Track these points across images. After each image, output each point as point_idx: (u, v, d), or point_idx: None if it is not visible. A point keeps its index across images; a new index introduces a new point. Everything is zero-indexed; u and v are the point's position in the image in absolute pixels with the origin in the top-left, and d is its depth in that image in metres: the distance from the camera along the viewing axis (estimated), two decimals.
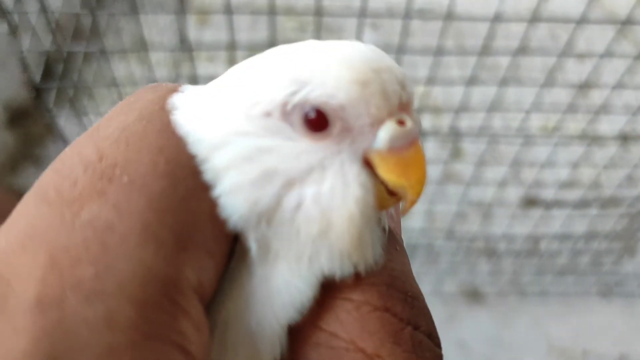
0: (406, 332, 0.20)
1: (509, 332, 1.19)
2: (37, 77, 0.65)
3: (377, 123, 0.20)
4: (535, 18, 0.68)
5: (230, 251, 0.20)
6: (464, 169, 1.05)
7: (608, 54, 0.75)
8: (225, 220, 0.20)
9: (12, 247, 0.18)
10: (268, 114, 0.20)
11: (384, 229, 0.21)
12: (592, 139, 0.86)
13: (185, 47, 0.69)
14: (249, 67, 0.21)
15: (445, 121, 1.18)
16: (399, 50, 0.70)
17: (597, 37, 1.02)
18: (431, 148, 1.12)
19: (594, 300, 1.22)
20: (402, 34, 0.68)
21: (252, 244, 0.20)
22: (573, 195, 1.01)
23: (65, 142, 0.75)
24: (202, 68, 1.33)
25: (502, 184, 0.97)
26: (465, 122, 0.90)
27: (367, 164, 0.20)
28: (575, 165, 0.95)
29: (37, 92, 0.66)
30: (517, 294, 1.21)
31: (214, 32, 1.31)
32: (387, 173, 0.20)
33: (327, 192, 0.19)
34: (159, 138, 0.20)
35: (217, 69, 1.19)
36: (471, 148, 1.10)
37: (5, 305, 0.17)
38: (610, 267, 1.16)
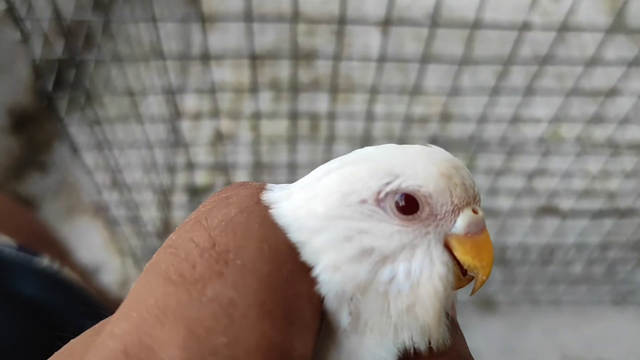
0: None
1: (522, 341, 1.17)
2: (49, 85, 0.63)
3: (457, 210, 0.23)
4: (562, 27, 0.66)
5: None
6: (480, 179, 1.03)
7: (625, 62, 0.73)
8: (320, 298, 0.22)
9: (148, 321, 0.21)
10: (363, 201, 0.23)
11: (447, 313, 0.24)
12: (615, 148, 0.85)
13: (203, 55, 0.67)
14: (334, 167, 0.24)
15: (459, 130, 1.17)
16: (422, 60, 0.68)
17: (611, 47, 1.01)
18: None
19: (607, 309, 1.20)
20: (427, 42, 0.66)
21: (345, 317, 0.22)
22: (589, 205, 0.99)
23: (75, 150, 0.74)
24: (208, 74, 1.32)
25: (518, 194, 0.95)
26: (482, 132, 0.88)
27: (447, 247, 0.23)
28: (590, 176, 0.94)
29: (49, 100, 0.64)
30: (530, 303, 1.19)
31: (220, 36, 1.30)
32: (464, 255, 0.23)
33: (416, 268, 0.22)
34: (260, 228, 0.23)
35: (224, 74, 1.17)
36: (486, 158, 1.09)
37: None
38: (624, 276, 1.15)
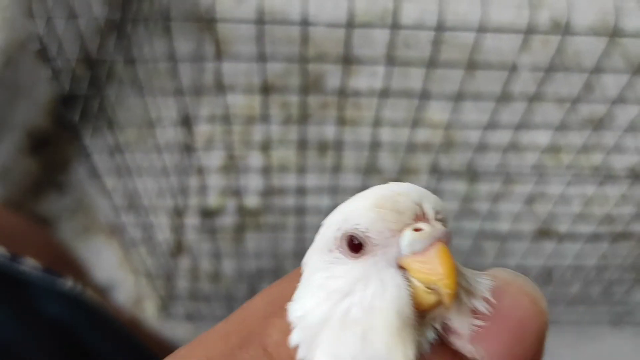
0: None
1: None
2: (76, 116, 0.68)
3: (396, 234, 0.24)
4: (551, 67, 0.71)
5: None
6: (479, 205, 1.07)
7: (621, 99, 0.77)
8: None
9: None
10: (330, 251, 0.26)
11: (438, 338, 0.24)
12: (604, 176, 0.89)
13: (217, 84, 0.72)
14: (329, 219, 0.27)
15: (460, 157, 1.21)
16: (422, 95, 0.73)
17: (610, 79, 1.05)
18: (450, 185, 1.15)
19: (605, 329, 1.23)
20: (427, 75, 0.71)
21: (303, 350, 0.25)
22: (585, 228, 1.03)
23: (97, 174, 0.78)
24: (220, 102, 1.36)
25: (517, 218, 0.99)
26: (482, 159, 0.92)
27: (403, 269, 0.24)
28: (587, 199, 0.98)
29: (75, 129, 0.69)
30: None
31: (231, 61, 1.35)
32: (417, 273, 0.23)
33: (369, 295, 0.24)
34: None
35: (236, 98, 1.21)
36: (486, 184, 1.13)
37: None
38: (621, 296, 1.18)
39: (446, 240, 0.24)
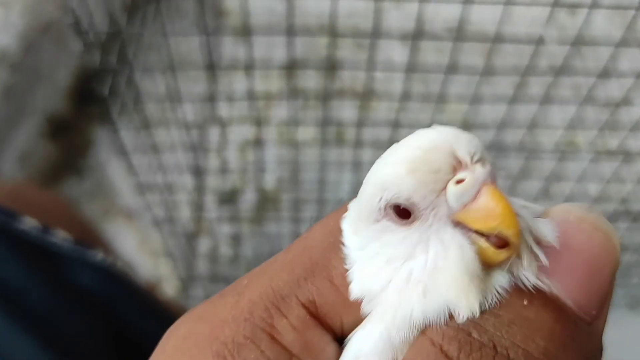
0: None
1: None
2: (106, 91, 0.69)
3: (440, 193, 0.23)
4: (576, 42, 0.71)
5: None
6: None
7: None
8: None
9: None
10: (377, 220, 0.25)
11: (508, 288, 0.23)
12: (624, 155, 0.89)
13: (243, 65, 0.73)
14: (365, 181, 0.26)
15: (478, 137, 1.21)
16: (446, 71, 0.73)
17: (625, 58, 1.05)
18: None
19: (622, 313, 1.24)
20: (451, 54, 0.71)
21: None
22: (603, 209, 1.04)
23: (124, 151, 0.79)
24: (239, 82, 1.37)
25: (535, 198, 1.00)
26: (501, 139, 0.93)
27: (460, 224, 0.23)
28: (605, 181, 0.98)
29: (105, 104, 0.70)
30: None
31: (247, 48, 1.36)
32: (475, 224, 0.23)
33: (431, 258, 0.23)
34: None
35: (252, 84, 1.23)
36: (503, 163, 1.13)
37: None
38: (638, 280, 1.18)
39: (492, 179, 0.23)
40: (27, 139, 1.28)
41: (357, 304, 0.25)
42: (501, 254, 0.22)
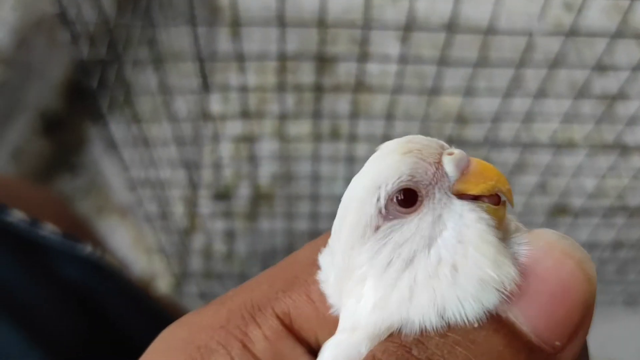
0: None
1: None
2: (94, 83, 0.68)
3: (439, 165, 0.23)
4: (570, 32, 0.71)
5: None
6: None
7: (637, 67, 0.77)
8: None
9: None
10: (376, 229, 0.24)
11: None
12: (621, 149, 0.89)
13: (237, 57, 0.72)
14: (341, 204, 0.25)
15: (473, 132, 1.21)
16: (439, 62, 0.73)
17: (621, 52, 1.05)
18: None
19: (619, 310, 1.23)
20: (444, 46, 0.71)
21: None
22: (600, 204, 1.03)
23: (114, 145, 0.78)
24: (233, 78, 1.36)
25: (531, 193, 0.99)
26: (496, 133, 0.92)
27: (462, 196, 0.24)
28: (601, 176, 0.97)
29: (93, 97, 0.69)
30: None
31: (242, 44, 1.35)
32: (474, 187, 0.23)
33: (452, 229, 0.23)
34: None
35: (247, 79, 1.22)
36: (499, 158, 1.13)
37: None
38: (636, 276, 1.18)
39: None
40: (20, 135, 1.27)
41: (333, 319, 0.25)
42: (499, 210, 0.23)
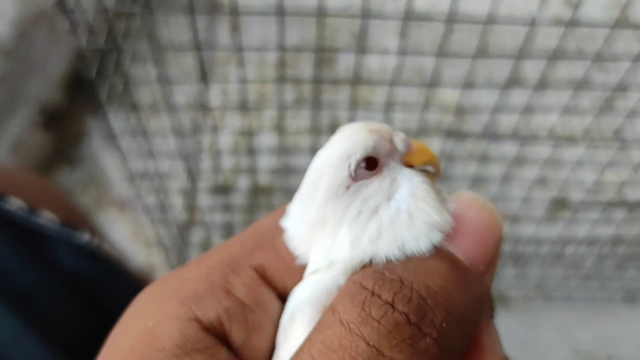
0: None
1: (534, 336, 1.20)
2: (93, 73, 0.68)
3: (391, 142, 0.31)
4: (569, 23, 0.71)
5: None
6: (493, 170, 1.07)
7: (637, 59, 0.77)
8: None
9: None
10: (347, 187, 0.30)
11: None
12: (621, 144, 0.88)
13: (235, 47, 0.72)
14: (312, 171, 0.31)
15: (472, 125, 1.21)
16: (438, 54, 0.73)
17: (620, 46, 1.04)
18: (461, 148, 1.15)
19: (618, 306, 1.23)
20: (443, 38, 0.70)
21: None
22: (599, 198, 1.03)
23: (113, 135, 0.78)
24: (233, 73, 1.36)
25: (530, 187, 0.99)
26: (495, 125, 0.92)
27: (409, 166, 0.31)
28: (600, 170, 0.97)
29: (92, 87, 0.69)
30: (542, 298, 1.22)
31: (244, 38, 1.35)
32: (417, 160, 0.31)
33: (405, 187, 0.30)
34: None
35: (247, 74, 1.22)
36: (499, 151, 1.13)
37: None
38: (635, 273, 1.18)
39: None
40: (20, 128, 1.27)
41: (299, 269, 0.31)
42: (432, 177, 0.31)
